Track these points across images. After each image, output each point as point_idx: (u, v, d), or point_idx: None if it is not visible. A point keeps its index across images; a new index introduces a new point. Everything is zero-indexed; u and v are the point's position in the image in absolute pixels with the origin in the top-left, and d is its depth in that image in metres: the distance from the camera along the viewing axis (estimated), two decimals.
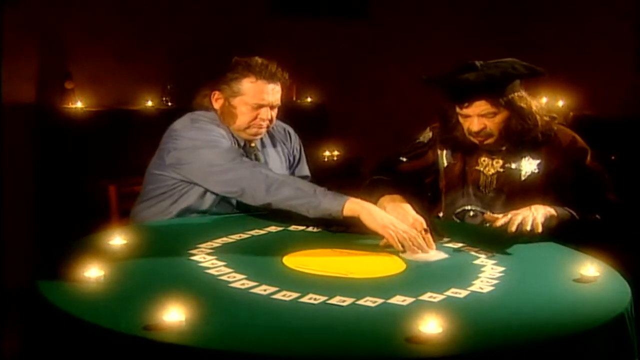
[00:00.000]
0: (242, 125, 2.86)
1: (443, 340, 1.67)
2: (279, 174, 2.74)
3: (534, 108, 2.78)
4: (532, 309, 1.95)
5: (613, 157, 4.80)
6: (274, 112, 2.89)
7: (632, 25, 5.62)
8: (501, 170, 2.86)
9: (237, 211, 2.84)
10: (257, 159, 2.92)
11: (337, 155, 5.12)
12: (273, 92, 2.85)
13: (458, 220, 2.93)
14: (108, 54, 4.61)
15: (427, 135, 3.01)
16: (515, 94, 2.76)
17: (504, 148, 2.84)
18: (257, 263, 2.25)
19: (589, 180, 2.79)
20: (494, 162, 2.87)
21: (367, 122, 5.36)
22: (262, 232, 2.60)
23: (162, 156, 2.83)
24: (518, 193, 2.81)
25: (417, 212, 2.58)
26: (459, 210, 2.93)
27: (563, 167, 2.81)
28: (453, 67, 2.78)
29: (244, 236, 2.53)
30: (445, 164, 2.96)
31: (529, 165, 2.83)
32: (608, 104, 5.29)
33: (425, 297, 1.97)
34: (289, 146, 3.10)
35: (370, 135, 5.11)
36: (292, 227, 2.66)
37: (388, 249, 2.42)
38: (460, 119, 2.81)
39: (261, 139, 2.98)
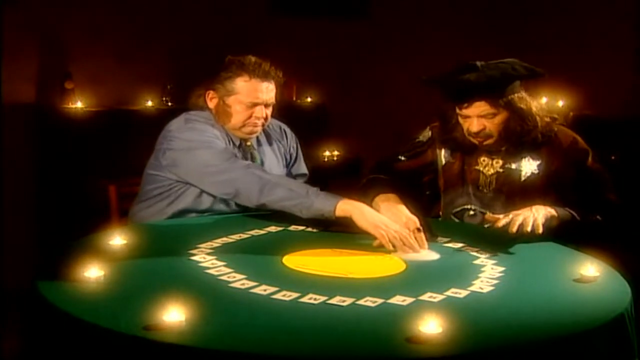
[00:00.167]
0: (237, 124, 2.86)
1: (443, 340, 1.67)
2: (272, 175, 2.74)
3: (534, 109, 2.78)
4: (532, 309, 1.95)
5: (613, 157, 4.80)
6: (269, 111, 2.90)
7: (632, 25, 5.62)
8: (501, 170, 2.86)
9: (236, 211, 2.83)
10: (253, 157, 2.92)
11: (337, 155, 5.12)
12: (267, 91, 2.86)
13: (457, 220, 2.93)
14: (108, 54, 4.61)
15: (426, 134, 3.01)
16: (515, 94, 2.76)
17: (503, 148, 2.84)
18: (257, 263, 2.25)
19: (589, 181, 2.79)
20: (494, 162, 2.87)
21: (367, 122, 5.36)
22: (262, 232, 2.60)
23: (157, 157, 2.84)
24: (518, 193, 2.81)
25: (411, 212, 2.58)
26: (458, 209, 2.93)
27: (564, 167, 2.81)
28: (453, 68, 2.78)
29: (244, 236, 2.53)
30: (444, 162, 2.96)
31: (529, 166, 2.83)
32: (608, 104, 5.29)
33: (425, 297, 1.97)
34: (285, 144, 3.11)
35: (370, 135, 5.11)
36: (292, 227, 2.66)
37: (381, 249, 2.42)
38: (460, 120, 2.81)
39: (257, 137, 2.98)
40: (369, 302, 1.92)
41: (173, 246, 2.37)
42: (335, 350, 1.68)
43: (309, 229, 2.64)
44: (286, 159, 3.10)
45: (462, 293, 2.02)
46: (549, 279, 2.22)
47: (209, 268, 2.16)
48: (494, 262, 2.33)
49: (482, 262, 2.34)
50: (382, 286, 2.08)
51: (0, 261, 4.16)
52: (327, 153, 5.09)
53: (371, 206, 2.60)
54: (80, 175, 4.20)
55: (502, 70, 2.73)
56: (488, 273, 2.22)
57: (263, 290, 1.98)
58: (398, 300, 1.94)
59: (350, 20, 5.44)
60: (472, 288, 2.07)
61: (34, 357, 1.93)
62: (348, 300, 1.91)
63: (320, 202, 2.54)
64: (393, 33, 5.51)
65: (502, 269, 2.27)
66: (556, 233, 2.60)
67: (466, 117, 2.78)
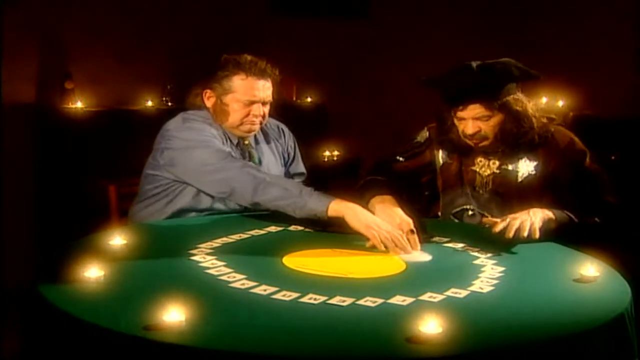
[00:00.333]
0: (235, 122, 2.87)
1: (443, 340, 1.67)
2: (267, 174, 2.75)
3: (529, 111, 2.77)
4: (532, 309, 1.95)
5: (613, 157, 4.80)
6: (266, 109, 2.90)
7: (632, 25, 5.62)
8: (497, 171, 2.86)
9: (235, 210, 2.83)
10: (251, 156, 2.93)
11: (337, 155, 5.12)
12: (264, 88, 2.86)
13: (456, 220, 2.93)
14: (108, 54, 4.61)
15: (424, 134, 3.01)
16: (511, 96, 2.75)
17: (500, 150, 2.84)
18: (257, 263, 2.25)
19: (587, 182, 2.78)
20: (490, 163, 2.87)
21: (367, 122, 5.36)
22: (262, 232, 2.60)
23: (155, 156, 2.85)
24: (514, 194, 2.81)
25: (406, 213, 2.58)
26: (457, 209, 2.93)
27: (561, 168, 2.80)
28: (448, 69, 2.77)
29: (244, 236, 2.53)
30: (441, 162, 2.96)
31: (526, 167, 2.82)
32: (608, 104, 5.29)
33: (425, 297, 1.97)
34: (283, 143, 3.11)
35: (370, 135, 5.11)
36: (292, 227, 2.66)
37: (374, 249, 2.42)
38: (456, 121, 2.81)
39: (255, 136, 2.99)
40: (369, 302, 1.92)
41: (173, 246, 2.37)
42: (335, 350, 1.68)
43: (309, 229, 2.64)
44: (284, 158, 3.11)
45: (462, 293, 2.02)
46: (549, 279, 2.22)
47: (209, 268, 2.16)
48: (494, 262, 2.33)
49: (482, 262, 2.34)
50: (382, 286, 2.08)
51: (0, 261, 4.16)
52: (327, 153, 5.09)
53: (367, 207, 2.60)
54: (80, 175, 4.20)
55: (497, 72, 2.72)
56: (488, 273, 2.22)
57: (263, 290, 1.98)
58: (398, 300, 1.94)
59: (350, 20, 5.44)
60: (472, 288, 2.07)
61: (34, 357, 1.93)
62: (348, 300, 1.91)
63: (313, 202, 2.55)
64: (393, 33, 5.51)
65: (502, 269, 2.27)
66: (554, 236, 2.60)
67: (461, 119, 2.78)
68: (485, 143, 2.80)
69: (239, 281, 2.05)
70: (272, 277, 2.09)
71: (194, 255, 2.28)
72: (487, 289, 2.08)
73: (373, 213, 2.57)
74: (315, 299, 1.91)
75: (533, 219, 2.55)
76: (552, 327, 1.83)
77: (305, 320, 1.82)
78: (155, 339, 1.65)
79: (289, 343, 1.70)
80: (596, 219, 2.70)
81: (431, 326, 1.68)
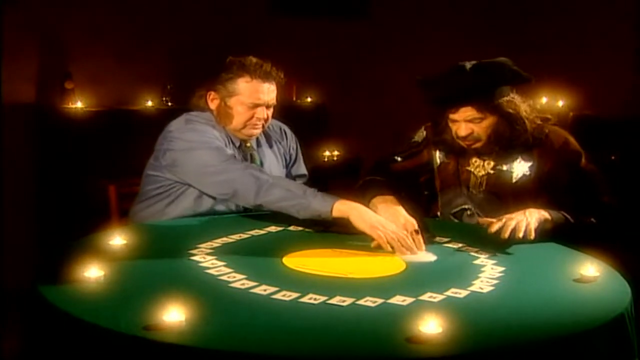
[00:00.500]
0: (239, 125, 2.86)
1: (443, 340, 1.67)
2: (269, 175, 2.74)
3: (523, 113, 2.76)
4: (532, 309, 1.95)
5: (613, 157, 4.80)
6: (270, 112, 2.90)
7: (632, 25, 5.62)
8: (492, 172, 2.85)
9: (236, 212, 2.83)
10: (252, 158, 2.92)
11: (337, 155, 5.12)
12: (268, 91, 2.85)
13: (456, 220, 2.93)
14: (108, 54, 4.61)
15: (421, 134, 3.01)
16: (503, 99, 2.75)
17: (494, 151, 2.83)
18: (257, 263, 2.25)
19: (583, 183, 2.78)
20: (485, 164, 2.87)
21: (367, 122, 5.36)
22: (262, 232, 2.60)
23: (157, 157, 2.84)
24: (509, 195, 2.80)
25: (409, 213, 2.58)
26: (456, 209, 2.93)
27: (556, 169, 2.79)
28: (442, 71, 2.77)
29: (244, 236, 2.53)
30: (439, 162, 2.96)
31: (520, 167, 2.82)
32: (608, 104, 5.29)
33: (425, 297, 1.97)
34: (285, 145, 3.11)
35: (370, 135, 5.11)
36: (292, 227, 2.66)
37: (379, 250, 2.42)
38: (449, 123, 2.82)
39: (257, 138, 2.98)
40: (369, 302, 1.92)
41: (173, 246, 2.37)
42: (335, 350, 1.68)
43: (309, 229, 2.64)
44: (286, 160, 3.10)
45: (462, 293, 2.02)
46: (549, 279, 2.22)
47: (209, 268, 2.16)
48: (494, 262, 2.33)
49: (482, 262, 2.34)
50: (382, 286, 2.08)
51: (0, 261, 4.16)
52: (327, 153, 5.09)
53: (368, 207, 2.60)
54: (80, 175, 4.20)
55: (489, 75, 2.72)
56: (488, 273, 2.22)
57: (263, 290, 1.98)
58: (398, 300, 1.94)
59: (350, 20, 5.44)
60: (472, 288, 2.07)
61: (34, 357, 1.93)
62: (348, 300, 1.91)
63: (317, 203, 2.54)
64: (393, 33, 5.51)
65: (502, 269, 2.27)
66: (550, 236, 2.60)
67: (454, 121, 2.78)
68: (478, 145, 2.80)
69: (239, 281, 2.05)
70: (272, 277, 2.09)
71: (194, 255, 2.28)
72: (487, 289, 2.08)
73: (375, 213, 2.57)
74: (315, 299, 1.91)
75: (529, 219, 2.55)
76: (552, 327, 1.83)
77: (305, 320, 1.82)
78: (155, 339, 1.65)
79: (289, 343, 1.70)
80: (592, 219, 2.70)
81: (431, 326, 1.68)
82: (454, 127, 2.80)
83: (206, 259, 2.24)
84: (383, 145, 3.30)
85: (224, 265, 2.18)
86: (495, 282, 2.14)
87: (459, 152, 2.88)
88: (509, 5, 5.68)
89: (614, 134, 4.93)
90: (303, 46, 5.15)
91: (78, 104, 4.36)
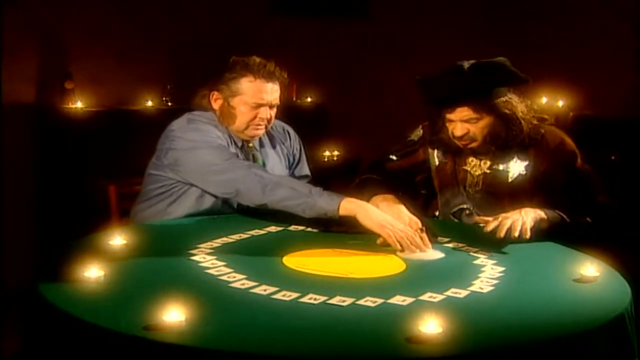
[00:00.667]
0: (241, 125, 2.85)
1: (443, 340, 1.67)
2: (273, 175, 2.74)
3: (519, 113, 2.77)
4: (532, 309, 1.95)
5: (613, 157, 4.80)
6: (273, 112, 2.89)
7: (632, 25, 5.62)
8: (488, 171, 2.86)
9: (238, 211, 2.83)
10: (255, 159, 2.92)
11: (337, 155, 5.12)
12: (272, 92, 2.85)
13: (456, 220, 2.94)
14: (108, 54, 4.61)
15: (418, 133, 3.01)
16: (500, 99, 2.76)
17: (491, 150, 2.84)
18: (257, 263, 2.25)
19: (578, 182, 2.79)
20: (482, 163, 2.87)
21: (367, 122, 5.36)
22: (262, 232, 2.60)
23: (159, 157, 2.83)
24: (506, 195, 2.81)
25: (410, 212, 2.58)
26: (455, 209, 2.93)
27: (552, 169, 2.80)
28: (439, 70, 2.77)
29: (244, 236, 2.53)
30: (437, 163, 2.97)
31: (516, 167, 2.83)
32: (608, 104, 5.29)
33: (425, 297, 1.97)
34: (289, 146, 3.10)
35: (370, 135, 5.10)
36: (292, 227, 2.66)
37: (385, 247, 2.42)
38: (446, 122, 2.82)
39: (259, 139, 2.97)
40: (369, 302, 1.92)
41: (173, 246, 2.37)
42: (335, 350, 1.68)
43: (309, 229, 2.64)
44: (289, 160, 3.09)
45: (462, 293, 2.03)
46: (549, 279, 2.22)
47: (209, 268, 2.16)
48: (494, 262, 2.34)
49: (482, 262, 2.34)
50: (382, 286, 2.08)
51: (0, 261, 4.16)
52: (327, 153, 5.09)
53: None
54: (80, 175, 4.19)
55: (486, 75, 2.72)
56: (488, 273, 2.22)
57: (263, 290, 1.98)
58: (398, 300, 1.94)
59: (350, 20, 5.44)
60: (472, 288, 2.07)
61: (34, 357, 1.93)
62: (348, 300, 1.91)
63: (323, 202, 2.54)
64: (393, 33, 5.51)
65: (502, 269, 2.27)
66: (546, 236, 2.60)
67: (450, 121, 2.79)
68: (474, 145, 2.81)
69: (239, 281, 2.05)
70: (272, 277, 2.09)
71: (194, 255, 2.28)
72: (487, 289, 2.08)
73: None
74: (315, 299, 1.91)
75: (525, 218, 2.56)
76: (552, 327, 1.84)
77: (305, 320, 1.82)
78: (155, 339, 1.65)
79: (289, 343, 1.70)
80: (588, 218, 2.71)
81: (431, 326, 1.68)
82: (450, 127, 2.80)
83: (206, 259, 2.24)
84: (383, 145, 3.29)
85: (224, 265, 2.18)
86: (495, 282, 2.14)
87: (456, 151, 2.89)
88: (508, 5, 5.68)
89: (614, 134, 4.93)
90: (303, 46, 5.15)
91: (78, 104, 4.36)
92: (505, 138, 2.78)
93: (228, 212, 2.83)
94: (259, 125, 2.86)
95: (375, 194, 2.71)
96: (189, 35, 4.82)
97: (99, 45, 4.58)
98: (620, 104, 5.33)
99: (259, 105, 2.83)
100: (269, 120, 2.88)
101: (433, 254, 2.41)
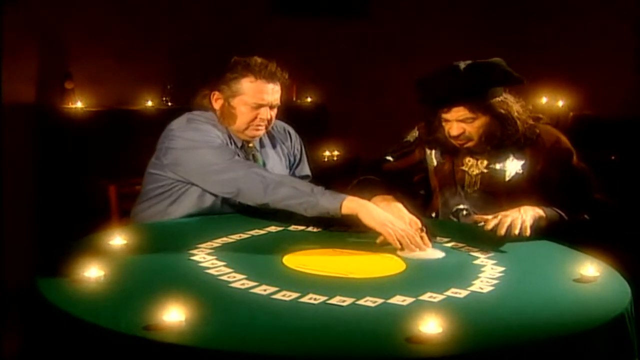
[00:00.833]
0: (242, 126, 2.85)
1: (443, 340, 1.67)
2: (274, 174, 2.74)
3: (514, 113, 2.78)
4: (532, 308, 1.95)
5: (613, 157, 4.80)
6: (274, 112, 2.89)
7: (632, 25, 5.62)
8: (485, 170, 2.87)
9: (237, 211, 2.83)
10: (255, 159, 2.91)
11: (337, 155, 5.12)
12: (273, 92, 2.84)
13: (455, 220, 2.94)
14: (108, 54, 4.61)
15: (414, 134, 3.02)
16: (495, 99, 2.77)
17: (487, 150, 2.84)
18: (257, 263, 2.25)
19: (574, 180, 2.81)
20: (479, 163, 2.88)
21: (367, 122, 5.36)
22: (262, 232, 2.60)
23: (159, 156, 2.83)
24: (503, 194, 2.82)
25: (410, 212, 2.58)
26: (454, 209, 2.94)
27: (548, 167, 2.82)
28: (436, 70, 2.78)
29: (244, 236, 2.53)
30: (435, 163, 2.98)
31: (513, 166, 2.84)
32: (608, 104, 5.29)
33: (425, 297, 1.97)
34: (289, 146, 3.10)
35: (370, 135, 5.10)
36: (292, 227, 2.66)
37: (385, 246, 2.42)
38: (442, 122, 2.83)
39: (260, 139, 2.97)
40: (369, 302, 1.92)
41: (173, 246, 2.37)
42: (335, 350, 1.68)
43: (309, 229, 2.64)
44: (289, 161, 3.09)
45: (462, 293, 2.03)
46: (549, 279, 2.22)
47: (209, 268, 2.16)
48: (494, 262, 2.34)
49: (482, 262, 2.34)
50: (382, 286, 2.08)
51: (0, 261, 4.16)
52: (327, 153, 5.09)
53: None
54: (80, 175, 4.20)
55: (482, 75, 2.74)
56: (488, 273, 2.22)
57: (263, 290, 1.98)
58: (398, 300, 1.94)
59: (350, 20, 5.44)
60: (472, 288, 2.07)
61: (34, 357, 1.94)
62: (348, 300, 1.91)
63: (325, 201, 2.54)
64: (393, 33, 5.51)
65: (502, 269, 2.27)
66: (545, 233, 2.61)
67: (446, 120, 2.80)
68: (470, 144, 2.82)
69: (239, 281, 2.05)
70: (272, 277, 2.09)
71: (194, 255, 2.28)
72: (487, 289, 2.08)
73: None
74: (315, 299, 1.91)
75: (524, 216, 2.57)
76: (552, 327, 1.84)
77: (305, 320, 1.82)
78: (155, 339, 1.65)
79: (289, 343, 1.70)
80: (585, 216, 2.73)
81: (431, 326, 1.68)
82: (446, 127, 2.81)
83: (206, 259, 2.24)
84: (383, 145, 3.30)
85: (224, 265, 2.18)
86: (495, 282, 2.14)
87: (452, 151, 2.90)
88: (508, 5, 5.68)
89: (614, 134, 4.93)
90: (303, 46, 5.15)
91: (78, 104, 4.36)
92: (500, 137, 2.79)
93: (228, 212, 2.83)
94: (259, 125, 2.86)
95: (375, 194, 2.71)
96: (189, 35, 4.82)
97: (99, 45, 4.58)
98: (620, 104, 5.33)
99: (260, 106, 2.83)
100: (269, 121, 2.88)
101: (433, 253, 2.41)
